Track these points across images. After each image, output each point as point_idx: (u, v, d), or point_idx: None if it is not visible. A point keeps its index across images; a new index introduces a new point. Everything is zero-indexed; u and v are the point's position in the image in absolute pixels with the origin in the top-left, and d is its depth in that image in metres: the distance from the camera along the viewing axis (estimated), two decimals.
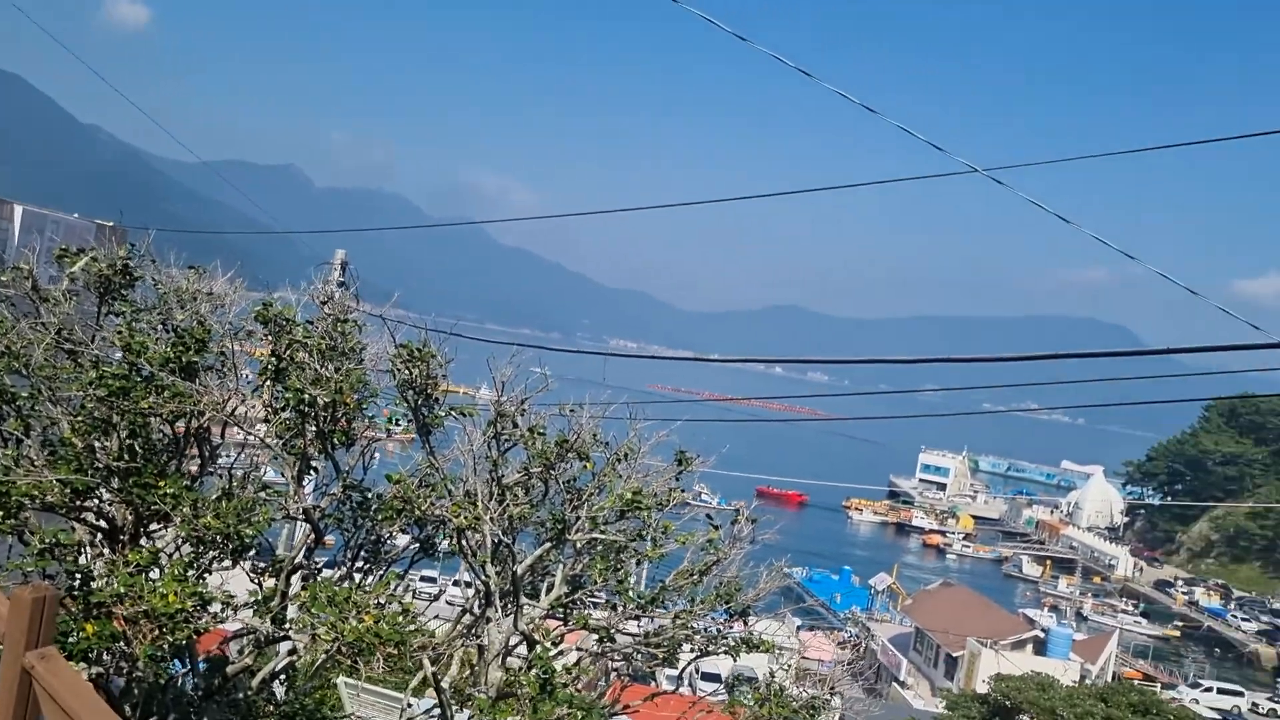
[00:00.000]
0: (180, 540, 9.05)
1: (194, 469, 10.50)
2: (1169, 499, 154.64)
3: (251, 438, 10.38)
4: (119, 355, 10.00)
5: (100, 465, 9.28)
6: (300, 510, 9.73)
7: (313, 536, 10.05)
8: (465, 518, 9.34)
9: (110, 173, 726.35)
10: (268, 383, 10.04)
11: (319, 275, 21.94)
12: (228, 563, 9.09)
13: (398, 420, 10.39)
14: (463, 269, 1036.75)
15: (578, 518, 9.74)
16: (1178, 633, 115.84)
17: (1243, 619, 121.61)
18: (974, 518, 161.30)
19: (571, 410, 9.64)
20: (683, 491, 9.77)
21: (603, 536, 9.81)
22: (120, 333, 9.56)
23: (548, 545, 10.26)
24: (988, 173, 8.83)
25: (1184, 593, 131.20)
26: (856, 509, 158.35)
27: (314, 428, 9.69)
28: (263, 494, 9.67)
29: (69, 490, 9.14)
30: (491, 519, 9.37)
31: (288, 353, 9.44)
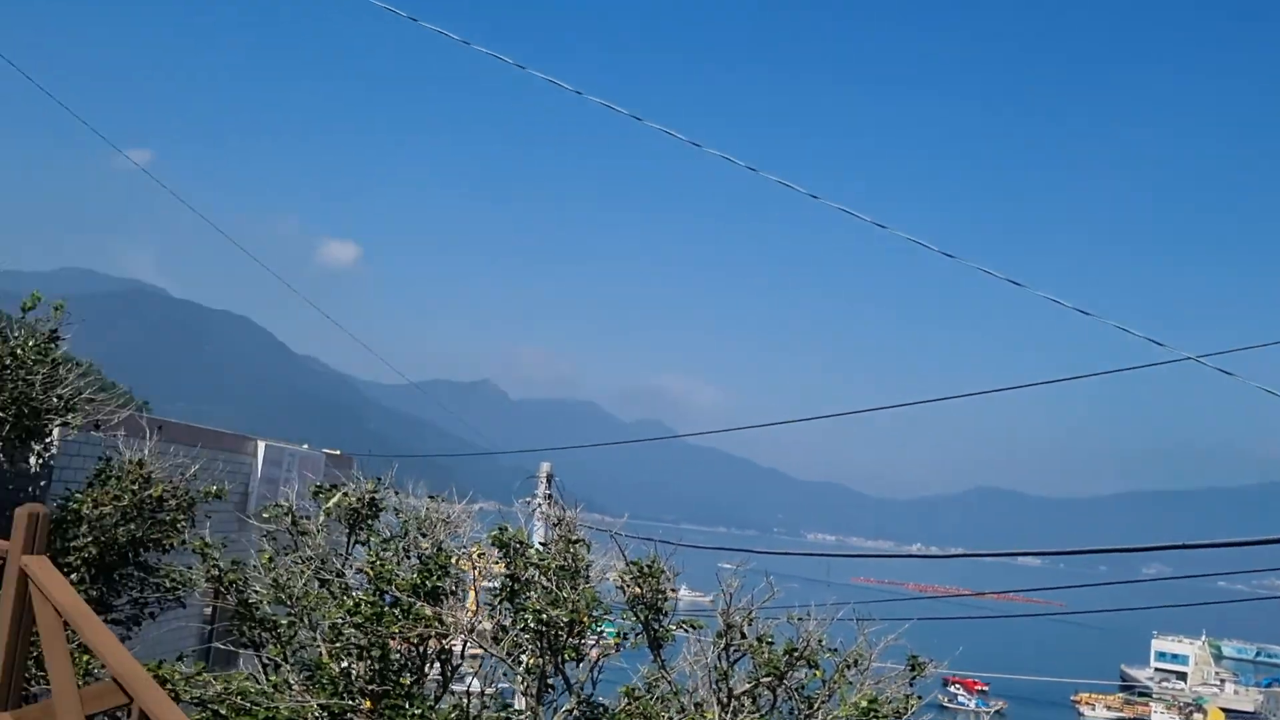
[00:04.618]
0: None
1: (432, 687, 10.99)
2: None
3: (486, 655, 10.81)
4: (367, 582, 10.73)
5: (355, 688, 9.85)
6: None
7: None
8: None
9: (324, 398, 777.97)
10: (502, 603, 10.54)
11: (527, 489, 22.86)
12: None
13: (626, 635, 10.64)
14: (655, 470, 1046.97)
15: None
16: None
17: None
18: (1225, 710, 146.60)
19: (800, 618, 9.68)
20: (919, 697, 9.56)
21: None
22: (371, 562, 10.30)
23: None
24: (1207, 360, 8.72)
25: None
26: (1088, 704, 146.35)
27: (546, 645, 10.06)
28: (503, 714, 10.03)
29: (327, 713, 9.71)
30: None
31: (525, 574, 9.92)
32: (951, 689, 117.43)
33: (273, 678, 10.35)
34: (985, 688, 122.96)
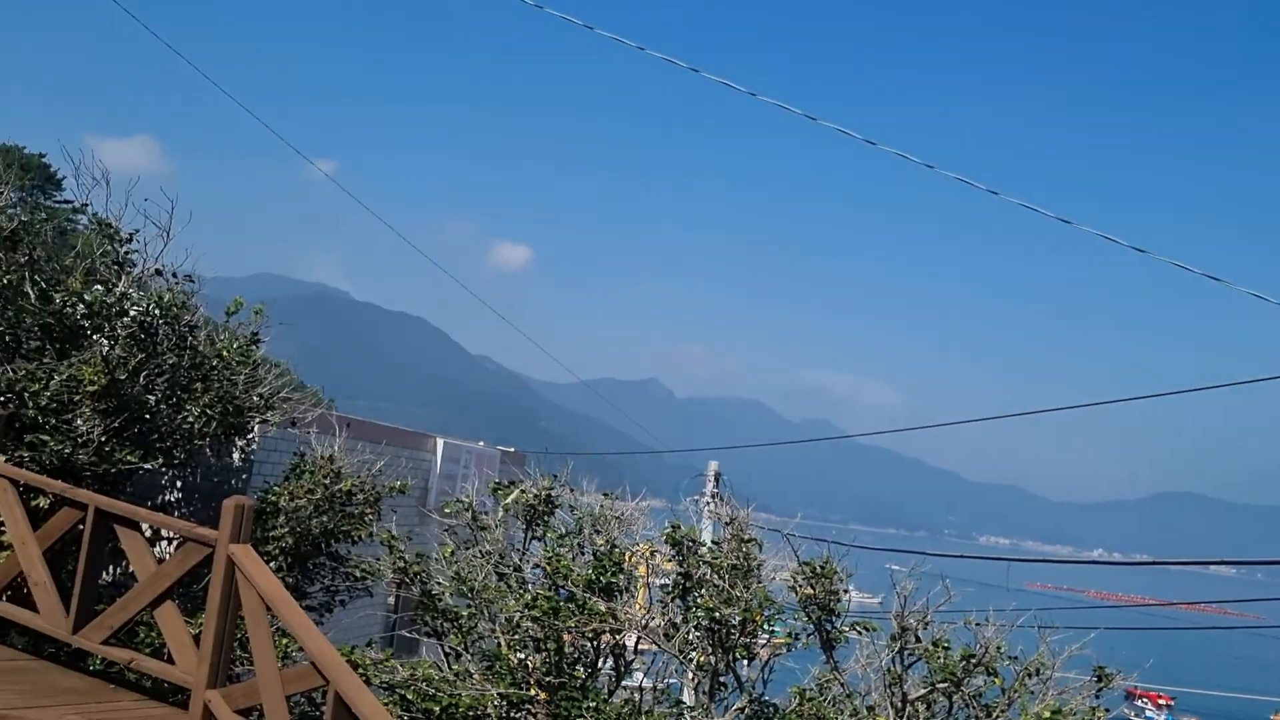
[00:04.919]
0: None
1: (605, 681, 11.22)
2: None
3: (658, 651, 10.96)
4: (543, 577, 11.04)
5: (532, 680, 10.15)
6: None
7: None
8: None
9: (498, 397, 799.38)
10: (674, 599, 10.68)
11: (694, 487, 22.99)
12: None
13: (797, 635, 10.61)
14: (823, 470, 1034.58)
15: None
16: None
17: None
18: None
19: (977, 624, 9.46)
20: (1105, 710, 9.21)
21: None
22: (547, 557, 10.59)
23: None
24: None
25: None
26: None
27: (717, 643, 10.13)
28: (674, 709, 10.16)
29: (505, 702, 10.03)
30: None
31: (697, 572, 10.02)
32: (1139, 703, 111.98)
33: (454, 666, 10.76)
34: (1172, 702, 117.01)
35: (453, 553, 11.24)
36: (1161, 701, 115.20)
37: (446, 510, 12.02)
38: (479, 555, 11.13)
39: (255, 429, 13.11)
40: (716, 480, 26.45)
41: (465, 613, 11.08)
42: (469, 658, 10.82)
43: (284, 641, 10.02)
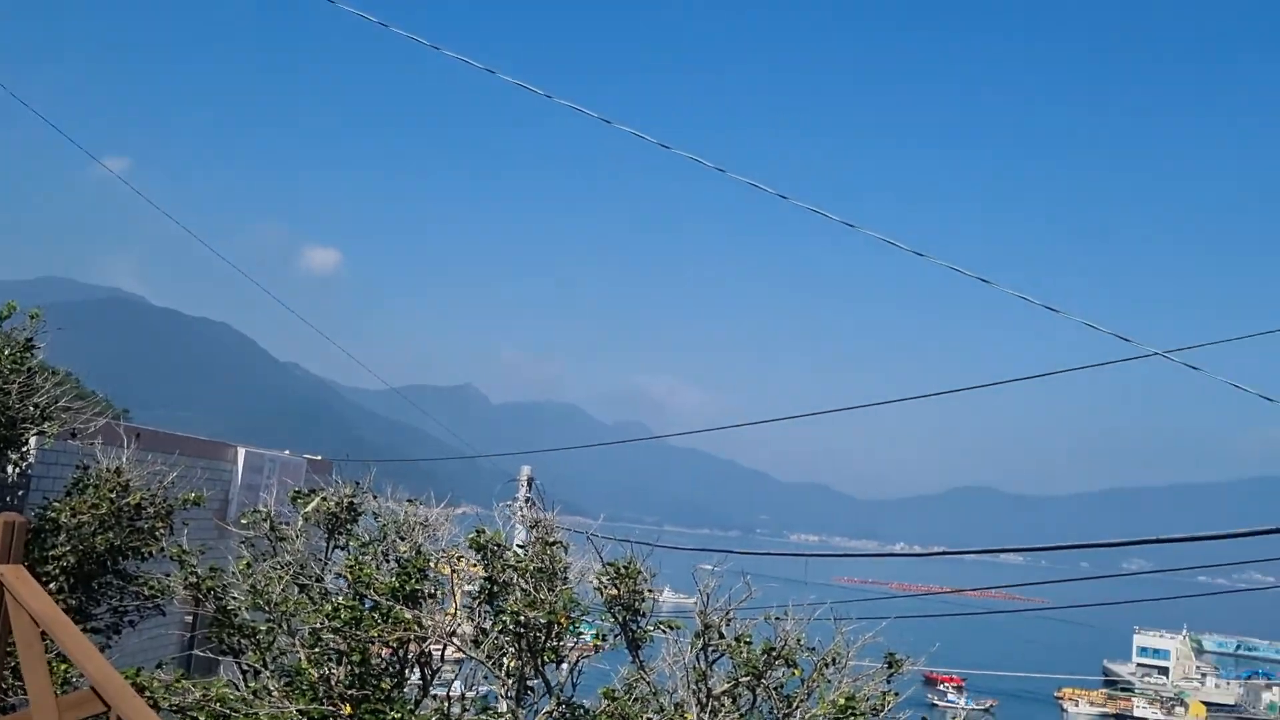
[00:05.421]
0: None
1: (413, 691, 11.03)
2: None
3: (467, 658, 10.85)
4: (346, 587, 10.76)
5: (334, 694, 9.87)
6: None
7: None
8: None
9: (308, 405, 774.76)
10: (482, 605, 10.58)
11: (508, 492, 22.90)
12: None
13: (604, 636, 10.69)
14: (639, 473, 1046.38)
15: None
16: None
17: None
18: (1206, 704, 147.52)
19: (777, 618, 9.75)
20: (896, 694, 9.65)
21: None
22: (349, 566, 10.33)
23: None
24: (1173, 356, 8.83)
25: None
26: (1071, 699, 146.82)
27: (525, 647, 10.10)
28: (483, 716, 10.06)
29: (306, 719, 9.72)
30: None
31: (502, 576, 9.96)
32: (941, 687, 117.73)
33: (252, 684, 10.37)
34: (962, 683, 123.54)
35: (249, 565, 10.84)
36: (954, 684, 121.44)
37: (244, 522, 11.58)
38: (278, 567, 10.76)
39: (31, 441, 12.30)
40: (529, 485, 26.44)
41: (263, 627, 10.70)
42: (268, 674, 10.45)
43: (63, 667, 9.44)
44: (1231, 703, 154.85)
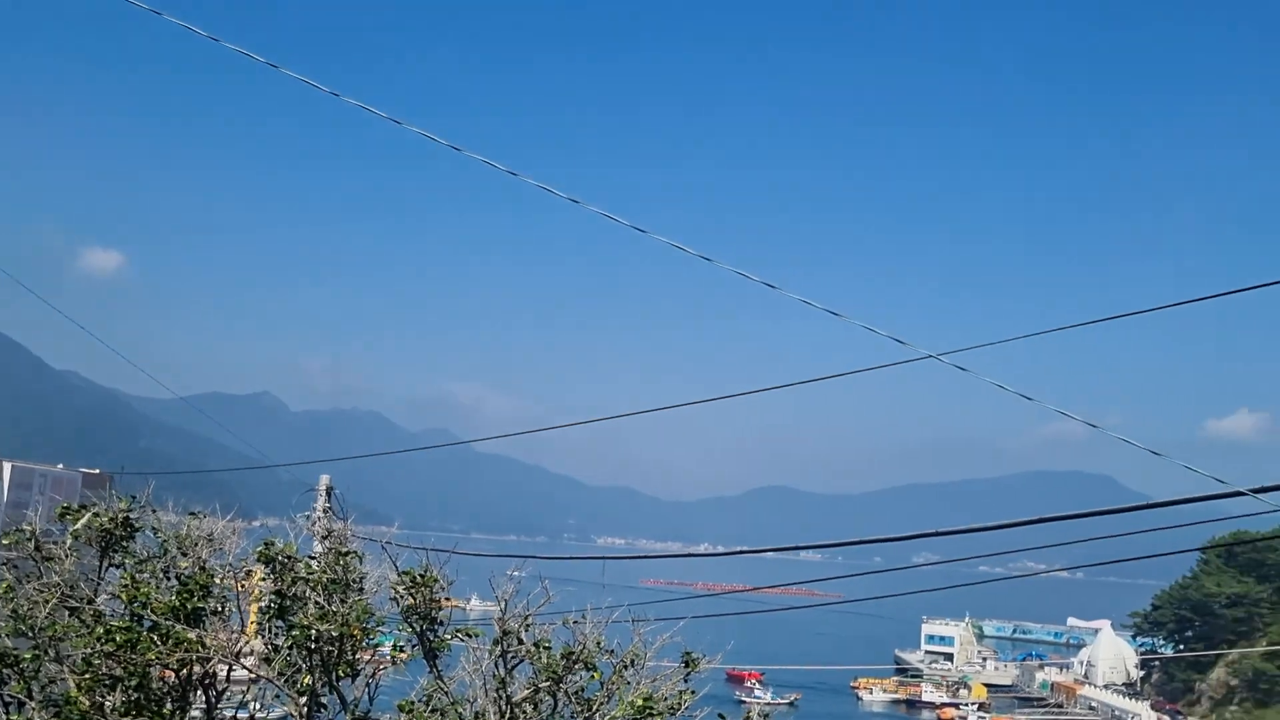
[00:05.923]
0: None
1: (196, 714, 10.47)
2: (1181, 647, 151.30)
3: (257, 677, 10.39)
4: (122, 608, 10.12)
5: None
6: None
7: None
8: None
9: (89, 416, 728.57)
10: (271, 621, 10.15)
11: (306, 503, 22.13)
12: None
13: (401, 646, 10.44)
14: (443, 481, 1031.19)
15: None
16: None
17: None
18: (987, 686, 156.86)
19: (575, 621, 9.74)
20: (694, 693, 9.78)
21: None
22: (125, 585, 9.71)
23: None
24: (945, 359, 9.31)
25: None
26: (866, 689, 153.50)
27: (319, 662, 9.75)
28: None
29: None
30: None
31: (292, 590, 9.58)
32: (749, 684, 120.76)
33: (15, 717, 9.62)
34: (761, 678, 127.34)
35: (9, 589, 10.04)
36: (754, 679, 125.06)
37: (5, 542, 10.73)
38: (43, 589, 10.01)
39: None
40: (329, 494, 25.63)
41: (27, 655, 9.94)
42: (33, 705, 9.71)
43: None
44: (1009, 683, 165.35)
